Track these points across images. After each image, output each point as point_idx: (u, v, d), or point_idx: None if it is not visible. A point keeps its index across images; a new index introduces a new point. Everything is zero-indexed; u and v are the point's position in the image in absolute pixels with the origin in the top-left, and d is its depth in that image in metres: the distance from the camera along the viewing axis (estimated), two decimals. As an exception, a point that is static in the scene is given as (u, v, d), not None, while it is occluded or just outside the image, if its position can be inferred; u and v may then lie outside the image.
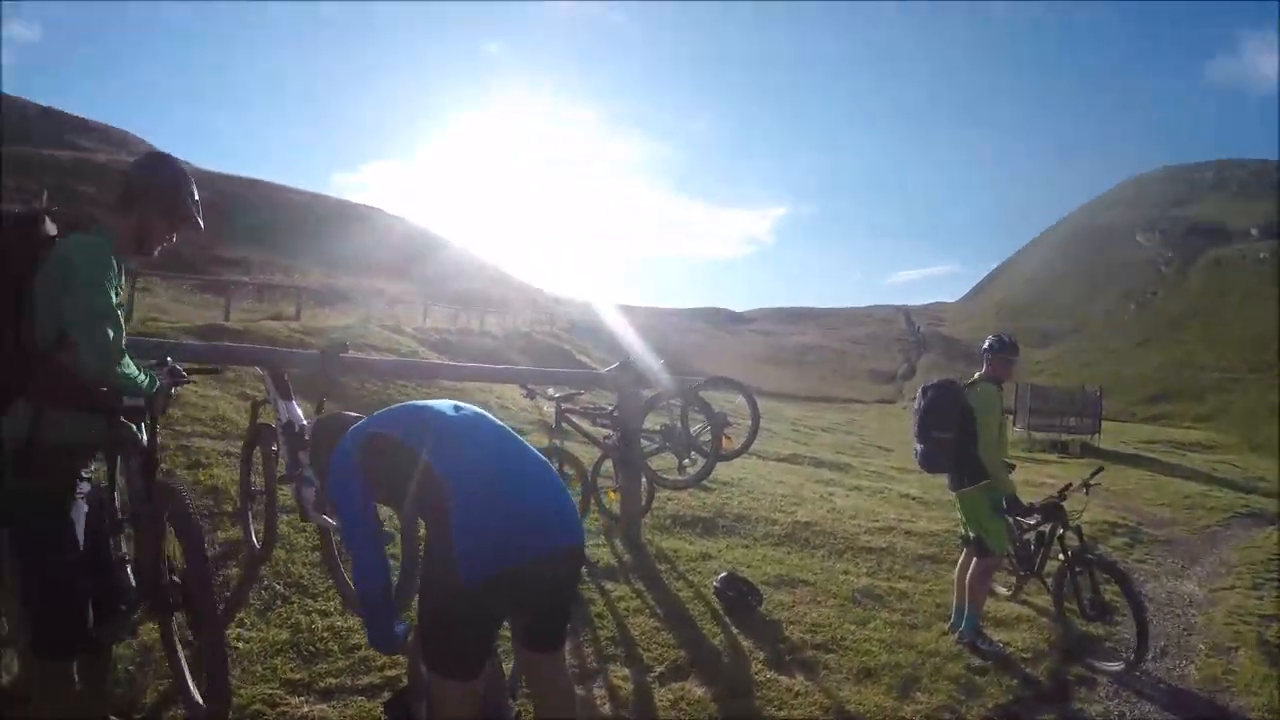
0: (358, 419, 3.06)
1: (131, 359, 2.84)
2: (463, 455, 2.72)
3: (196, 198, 3.11)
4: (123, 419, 3.01)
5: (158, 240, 3.05)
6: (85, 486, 2.91)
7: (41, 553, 2.78)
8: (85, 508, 2.90)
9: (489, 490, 2.66)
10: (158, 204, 2.99)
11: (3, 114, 58.77)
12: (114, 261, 2.78)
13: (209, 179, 58.75)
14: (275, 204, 58.09)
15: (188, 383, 3.58)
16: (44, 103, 76.68)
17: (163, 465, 5.80)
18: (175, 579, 3.13)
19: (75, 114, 78.77)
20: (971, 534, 5.72)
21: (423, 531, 2.79)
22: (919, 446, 5.87)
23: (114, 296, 2.73)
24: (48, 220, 2.79)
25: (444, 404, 2.97)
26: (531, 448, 2.97)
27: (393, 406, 3.10)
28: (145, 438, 3.12)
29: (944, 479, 5.99)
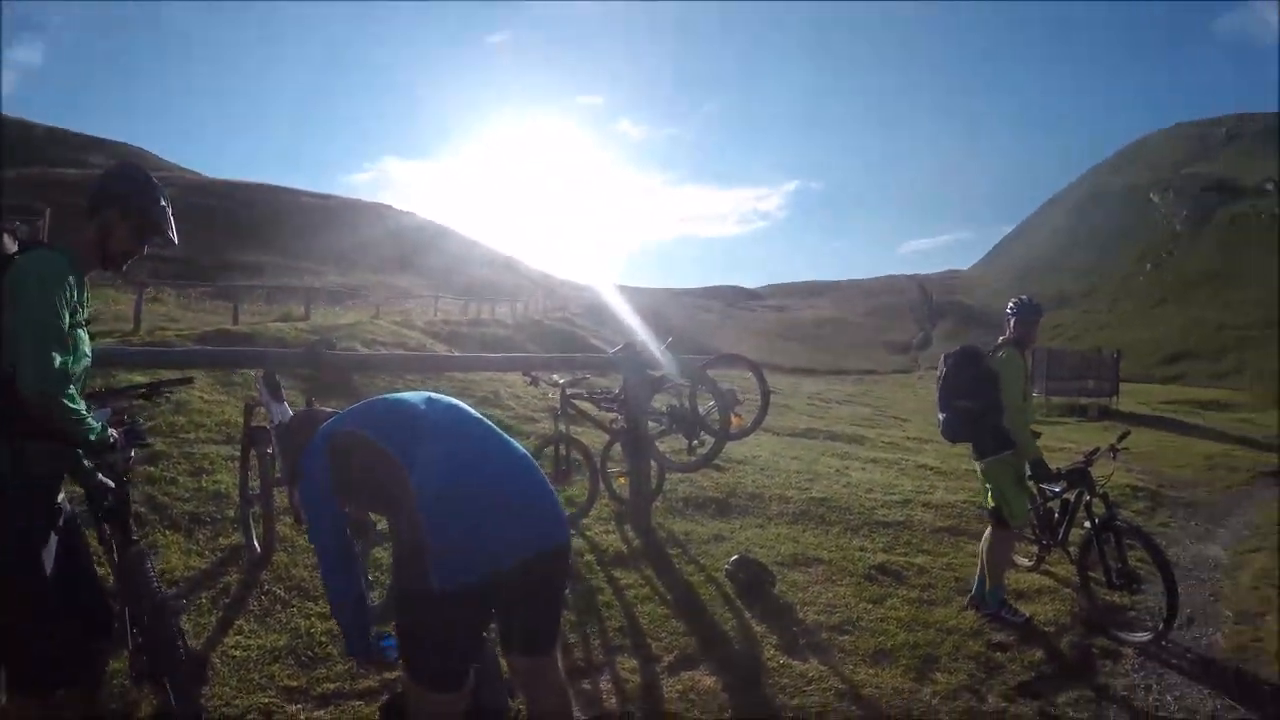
0: (332, 414, 2.94)
1: (86, 404, 2.70)
2: (436, 452, 2.58)
3: (165, 205, 2.94)
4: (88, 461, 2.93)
5: (123, 251, 2.87)
6: (60, 517, 2.80)
7: (10, 591, 2.66)
8: (56, 539, 2.77)
9: (465, 489, 2.53)
10: (119, 212, 2.82)
11: (5, 135, 58.98)
12: (71, 279, 2.64)
13: (218, 187, 59.10)
14: (285, 207, 58.37)
15: (146, 445, 3.48)
16: (49, 123, 77.06)
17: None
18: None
19: (81, 132, 79.21)
20: (992, 504, 5.55)
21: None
22: (942, 415, 5.72)
23: (64, 316, 2.59)
24: (5, 238, 2.66)
25: (417, 396, 2.84)
26: (514, 442, 2.84)
27: (365, 401, 2.99)
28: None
29: (965, 448, 5.85)
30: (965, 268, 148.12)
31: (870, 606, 5.36)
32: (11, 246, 2.65)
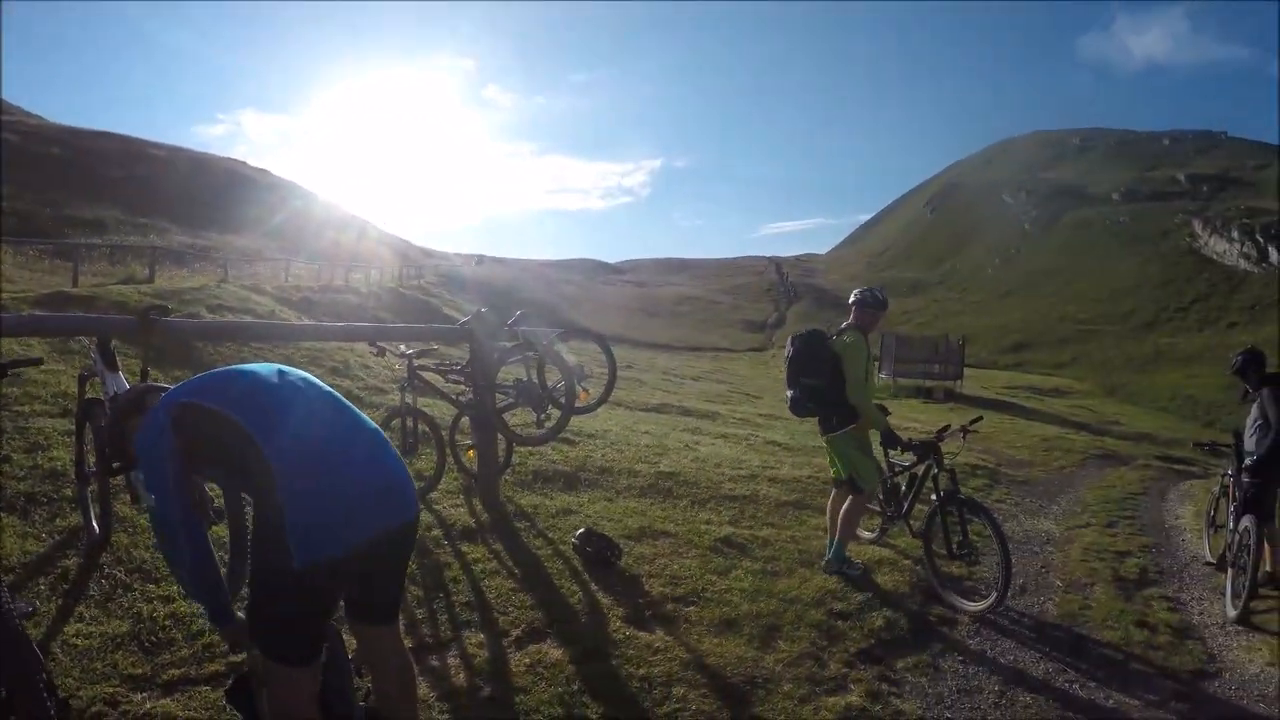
0: (164, 389, 2.84)
1: None
2: (289, 426, 2.55)
3: None
4: None
5: None
6: None
7: None
8: None
9: (319, 465, 2.53)
10: None
11: None
12: None
13: (60, 134, 55.09)
14: (132, 158, 54.77)
15: None
16: None
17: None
18: None
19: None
20: (845, 474, 6.09)
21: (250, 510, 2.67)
22: (790, 393, 6.22)
23: None
24: None
25: (268, 368, 2.79)
26: (364, 416, 2.84)
27: (210, 372, 2.92)
28: None
29: (813, 425, 6.38)
30: (823, 252, 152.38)
31: (715, 578, 5.54)
32: None
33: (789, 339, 6.38)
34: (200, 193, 52.92)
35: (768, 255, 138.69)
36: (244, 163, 69.34)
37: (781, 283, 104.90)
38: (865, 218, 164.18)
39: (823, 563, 6.04)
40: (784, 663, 4.48)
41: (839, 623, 5.08)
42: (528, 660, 4.18)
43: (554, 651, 4.29)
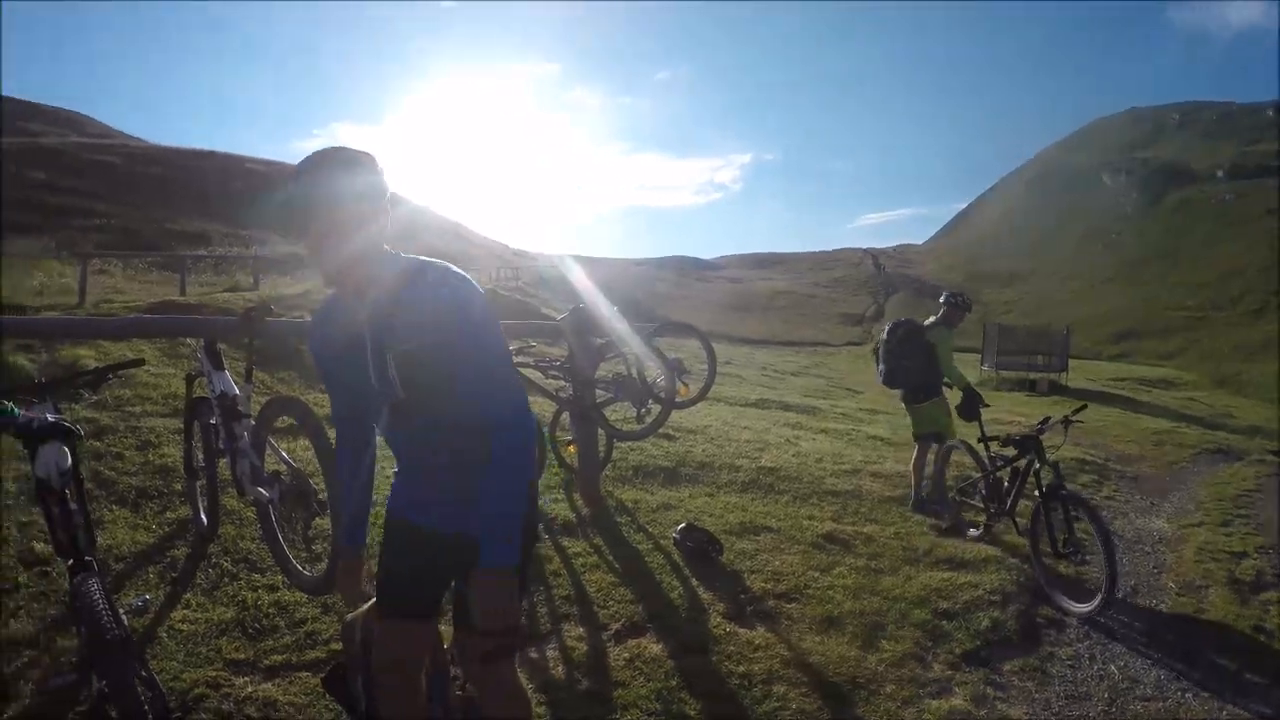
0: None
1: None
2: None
3: None
4: None
5: None
6: None
7: None
8: None
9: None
10: None
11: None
12: None
13: (163, 155, 57.52)
14: (233, 175, 56.83)
15: (79, 437, 3.01)
16: (-13, 91, 73.99)
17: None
18: None
19: (23, 99, 76.53)
20: (926, 429, 7.48)
21: None
22: (883, 367, 7.61)
23: None
24: None
25: None
26: None
27: None
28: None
29: (899, 399, 7.79)
30: (919, 242, 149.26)
31: (818, 575, 5.41)
32: None
33: (887, 326, 7.68)
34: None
35: (863, 247, 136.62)
36: (341, 173, 71.02)
37: (879, 275, 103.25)
38: (960, 205, 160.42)
39: (912, 507, 7.21)
40: (887, 663, 4.34)
41: (944, 623, 4.90)
42: (627, 654, 4.13)
43: (653, 646, 4.23)
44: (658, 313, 48.34)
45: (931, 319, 7.64)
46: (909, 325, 7.55)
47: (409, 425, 2.39)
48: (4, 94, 72.32)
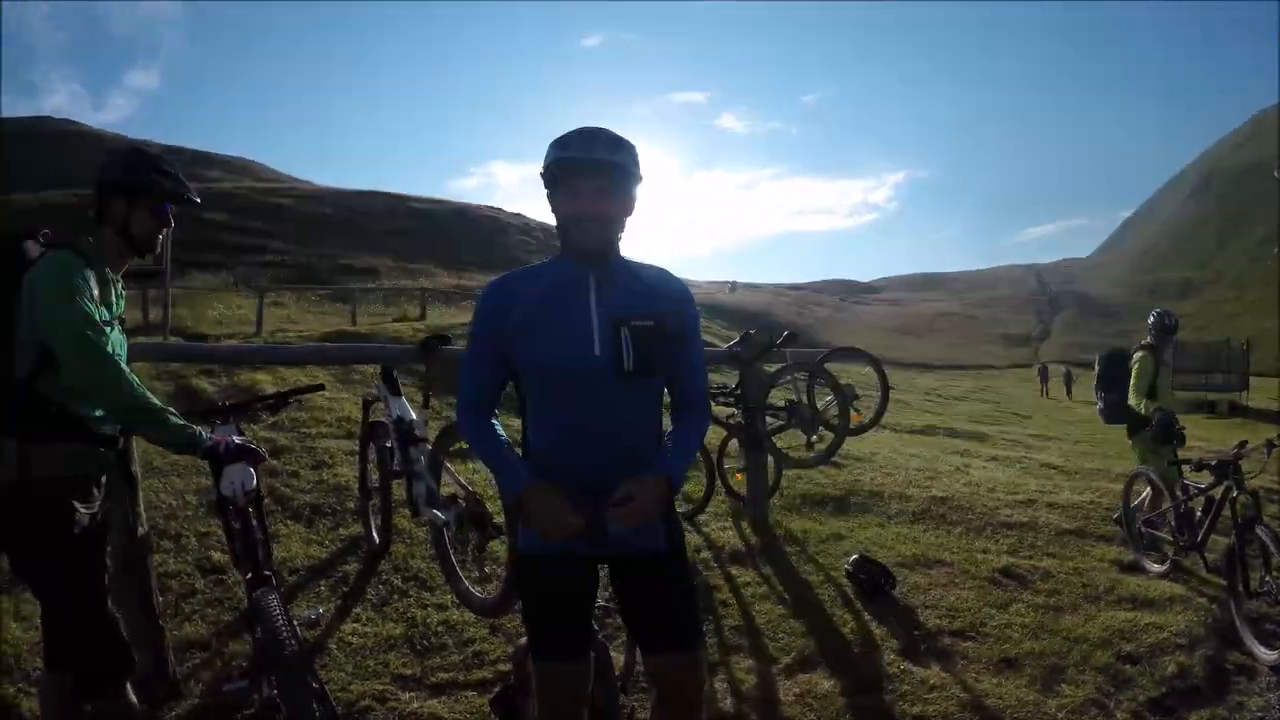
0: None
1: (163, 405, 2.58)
2: None
3: (169, 171, 2.79)
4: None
5: (146, 232, 2.74)
6: (81, 523, 2.58)
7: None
8: (68, 552, 2.57)
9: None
10: (125, 200, 2.69)
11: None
12: (87, 274, 2.53)
13: (330, 195, 61.14)
14: (397, 213, 59.94)
15: (261, 459, 3.06)
16: (166, 141, 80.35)
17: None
18: None
19: (198, 149, 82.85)
20: (1143, 466, 6.81)
21: None
22: (1099, 404, 7.42)
23: (91, 308, 2.47)
24: (29, 243, 2.62)
25: None
26: None
27: None
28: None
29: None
30: (1083, 255, 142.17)
31: (994, 611, 5.09)
32: (35, 252, 2.61)
33: (1098, 356, 7.53)
34: (462, 238, 56.93)
35: (1025, 263, 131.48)
36: (500, 209, 73.74)
37: (1044, 292, 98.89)
38: (1125, 214, 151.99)
39: (1116, 519, 7.00)
40: (1067, 709, 4.01)
41: (1127, 666, 4.50)
42: (797, 690, 3.97)
43: (824, 682, 4.05)
44: (816, 338, 47.79)
45: (1139, 344, 7.00)
46: (1111, 354, 7.36)
47: (596, 408, 2.27)
48: (178, 144, 78.34)
